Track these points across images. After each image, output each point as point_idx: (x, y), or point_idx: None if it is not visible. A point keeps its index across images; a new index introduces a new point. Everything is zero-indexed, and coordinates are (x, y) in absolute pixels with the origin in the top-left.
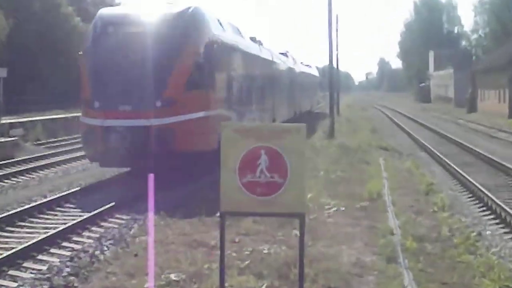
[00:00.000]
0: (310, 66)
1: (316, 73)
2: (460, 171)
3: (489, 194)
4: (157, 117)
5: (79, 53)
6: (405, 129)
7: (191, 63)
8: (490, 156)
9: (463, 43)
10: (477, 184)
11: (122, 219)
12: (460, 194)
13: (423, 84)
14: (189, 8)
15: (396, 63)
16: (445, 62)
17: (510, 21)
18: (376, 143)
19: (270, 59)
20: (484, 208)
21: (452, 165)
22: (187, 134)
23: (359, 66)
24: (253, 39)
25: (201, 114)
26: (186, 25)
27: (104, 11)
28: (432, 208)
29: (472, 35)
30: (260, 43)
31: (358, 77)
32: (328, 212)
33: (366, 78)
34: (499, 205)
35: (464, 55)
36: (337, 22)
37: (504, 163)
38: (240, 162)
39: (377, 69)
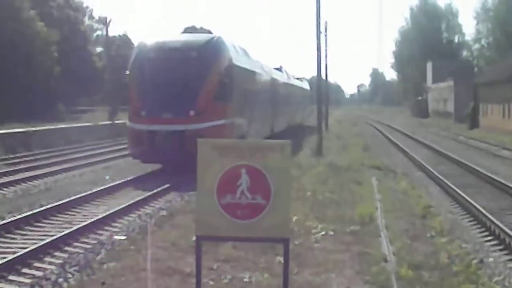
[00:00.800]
0: (302, 80)
1: (307, 86)
2: (461, 193)
3: (492, 218)
4: (191, 123)
5: (126, 72)
6: (401, 147)
7: (216, 81)
8: (493, 176)
9: (464, 53)
10: (479, 207)
11: (88, 243)
12: (460, 217)
13: (420, 97)
14: (213, 37)
15: (391, 74)
16: (444, 74)
17: None
18: (368, 162)
19: (270, 75)
20: (487, 233)
21: (452, 186)
22: (212, 136)
23: (350, 78)
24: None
25: (222, 121)
26: (212, 52)
27: (145, 40)
28: (429, 232)
29: (474, 44)
30: (260, 63)
31: (349, 89)
32: (315, 237)
33: (358, 90)
34: (503, 230)
35: (465, 67)
36: (326, 30)
37: (508, 184)
38: (218, 182)
39: (370, 81)
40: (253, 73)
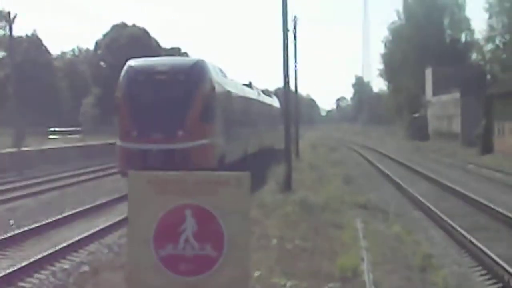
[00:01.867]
0: (271, 96)
1: (277, 104)
2: (470, 238)
3: (511, 270)
4: (180, 142)
5: (116, 94)
6: (392, 179)
7: (201, 103)
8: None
9: (474, 56)
10: (494, 257)
11: None
12: (470, 270)
13: (417, 114)
14: (198, 61)
15: (379, 85)
16: (448, 83)
17: None
18: (351, 199)
19: (244, 94)
20: None
21: (459, 229)
22: (198, 154)
23: (327, 89)
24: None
25: (207, 140)
26: (197, 75)
27: (133, 63)
28: None
29: (486, 45)
30: (235, 82)
31: (326, 104)
32: None
33: (337, 105)
34: None
35: (474, 74)
36: (295, 27)
37: None
38: (156, 228)
39: (353, 93)
40: (230, 93)
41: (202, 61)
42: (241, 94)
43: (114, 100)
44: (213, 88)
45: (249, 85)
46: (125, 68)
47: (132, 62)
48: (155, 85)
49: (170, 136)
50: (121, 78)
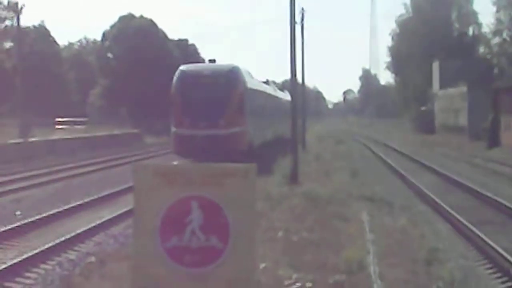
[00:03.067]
0: (284, 91)
1: (289, 97)
2: (477, 232)
3: None
4: (220, 129)
5: (171, 93)
6: (399, 172)
7: (236, 99)
8: None
9: (481, 50)
10: (500, 250)
11: None
12: (476, 264)
13: (424, 107)
14: (234, 67)
15: (386, 78)
16: (455, 77)
17: None
18: (357, 192)
19: (265, 91)
20: (511, 284)
21: (465, 222)
22: (234, 138)
23: (334, 82)
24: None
25: (241, 128)
26: (233, 78)
27: (184, 68)
28: (436, 284)
29: (494, 38)
30: (258, 81)
31: (333, 97)
32: None
33: (344, 98)
34: None
35: (482, 67)
36: (302, 19)
37: None
38: (162, 219)
39: (360, 86)
40: (256, 91)
41: (237, 67)
42: (262, 91)
43: (169, 97)
44: (245, 88)
45: (267, 82)
46: (177, 72)
47: (183, 67)
48: (201, 86)
49: (213, 124)
50: (174, 79)
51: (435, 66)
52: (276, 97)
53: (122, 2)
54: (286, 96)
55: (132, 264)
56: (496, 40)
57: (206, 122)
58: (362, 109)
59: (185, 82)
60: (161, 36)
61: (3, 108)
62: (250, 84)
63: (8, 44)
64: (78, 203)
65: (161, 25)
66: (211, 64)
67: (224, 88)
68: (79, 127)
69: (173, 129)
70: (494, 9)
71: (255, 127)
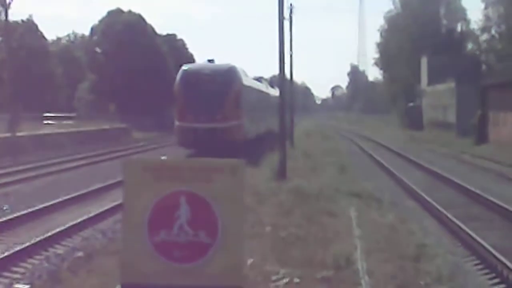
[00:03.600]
0: (275, 88)
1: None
2: (464, 228)
3: (505, 261)
4: (219, 122)
5: (175, 90)
6: (387, 168)
7: (233, 95)
8: (506, 206)
9: (469, 46)
10: (487, 246)
11: None
12: (463, 259)
13: (413, 103)
14: (231, 66)
15: (374, 74)
16: (443, 73)
17: None
18: (345, 187)
19: (258, 88)
20: (498, 280)
21: (453, 218)
22: (232, 131)
23: (322, 78)
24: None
25: (238, 122)
26: (231, 76)
27: (186, 67)
28: (424, 279)
29: (482, 35)
30: (251, 78)
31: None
32: (276, 285)
33: (332, 94)
34: None
35: (470, 64)
36: (291, 15)
37: None
38: (150, 214)
39: (348, 82)
40: (250, 88)
41: (234, 66)
42: (256, 88)
43: (173, 93)
44: (241, 85)
45: (259, 80)
46: (180, 71)
47: (185, 67)
48: (201, 83)
49: (212, 118)
50: (177, 78)
51: (423, 62)
52: (268, 94)
53: None
54: (276, 92)
55: (120, 259)
56: (485, 36)
57: (206, 116)
58: (350, 105)
59: (187, 80)
60: (149, 31)
61: None
62: (246, 82)
63: None
64: (67, 197)
65: (149, 20)
66: (210, 63)
67: (222, 86)
68: (67, 122)
69: (177, 122)
70: (483, 5)
71: (249, 121)
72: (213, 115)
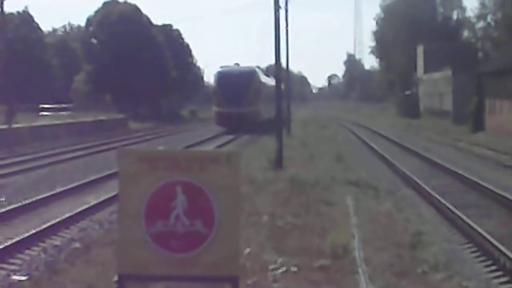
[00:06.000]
0: (270, 77)
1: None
2: (461, 215)
3: (502, 248)
4: (245, 108)
5: (213, 85)
6: (384, 156)
7: (254, 89)
8: (503, 193)
9: (465, 34)
10: (484, 234)
11: None
12: (460, 247)
13: (409, 91)
14: (253, 68)
15: (371, 62)
16: (439, 61)
17: None
18: (342, 176)
19: (268, 81)
20: (495, 267)
21: (450, 206)
22: (254, 114)
23: (318, 67)
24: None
25: (257, 108)
26: (253, 75)
27: (221, 69)
28: (421, 267)
29: (478, 22)
30: (263, 74)
31: (317, 81)
32: (273, 275)
33: (329, 83)
34: None
35: (466, 51)
36: (286, 3)
37: None
38: (147, 204)
39: (344, 71)
40: (264, 83)
41: (254, 68)
42: (267, 81)
43: (212, 88)
44: (259, 82)
45: (268, 75)
46: (216, 72)
47: (220, 69)
48: (232, 81)
49: (239, 105)
50: (214, 77)
51: (420, 50)
52: (269, 84)
53: None
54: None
55: (117, 250)
56: (481, 24)
57: (235, 104)
58: (346, 94)
59: (222, 78)
60: (145, 21)
61: None
62: (262, 79)
63: None
64: (63, 188)
65: (145, 10)
66: (238, 66)
67: (246, 82)
68: (63, 113)
69: (215, 108)
70: None
71: (264, 108)
72: (239, 103)
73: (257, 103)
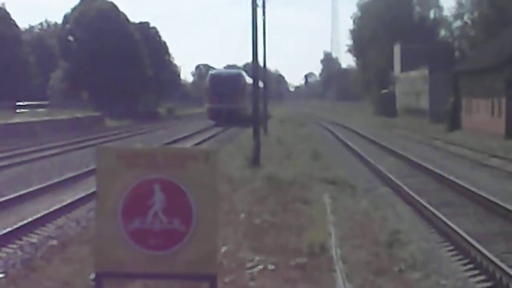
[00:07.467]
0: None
1: (261, 84)
2: (438, 214)
3: (478, 246)
4: (233, 104)
5: (205, 86)
6: (361, 155)
7: (241, 88)
8: (479, 192)
9: (442, 33)
10: (461, 232)
11: None
12: (437, 245)
13: (386, 90)
14: (240, 72)
15: (348, 61)
16: (416, 60)
17: (509, 1)
18: (319, 174)
19: (250, 81)
20: (472, 266)
21: (427, 205)
22: (241, 110)
23: (295, 65)
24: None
25: (243, 105)
26: (240, 77)
27: (212, 72)
28: (398, 265)
29: (455, 22)
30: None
31: (294, 80)
32: (250, 273)
33: (306, 81)
34: (492, 262)
35: (443, 50)
36: (264, 2)
37: (498, 201)
38: (124, 202)
39: (321, 69)
40: (248, 84)
41: (241, 71)
42: (251, 82)
43: (204, 89)
44: (245, 83)
45: (232, 68)
46: (208, 74)
47: (212, 72)
48: (222, 81)
49: (228, 102)
50: (207, 78)
51: (396, 49)
52: (260, 86)
53: None
54: (260, 84)
55: (94, 247)
56: (457, 23)
57: (224, 101)
58: (323, 92)
59: (213, 79)
60: (122, 18)
61: None
62: (247, 80)
63: None
64: (40, 186)
65: (122, 7)
66: (227, 69)
67: (235, 83)
68: (40, 110)
69: (208, 104)
70: None
71: (249, 105)
72: (228, 100)
73: (243, 100)
